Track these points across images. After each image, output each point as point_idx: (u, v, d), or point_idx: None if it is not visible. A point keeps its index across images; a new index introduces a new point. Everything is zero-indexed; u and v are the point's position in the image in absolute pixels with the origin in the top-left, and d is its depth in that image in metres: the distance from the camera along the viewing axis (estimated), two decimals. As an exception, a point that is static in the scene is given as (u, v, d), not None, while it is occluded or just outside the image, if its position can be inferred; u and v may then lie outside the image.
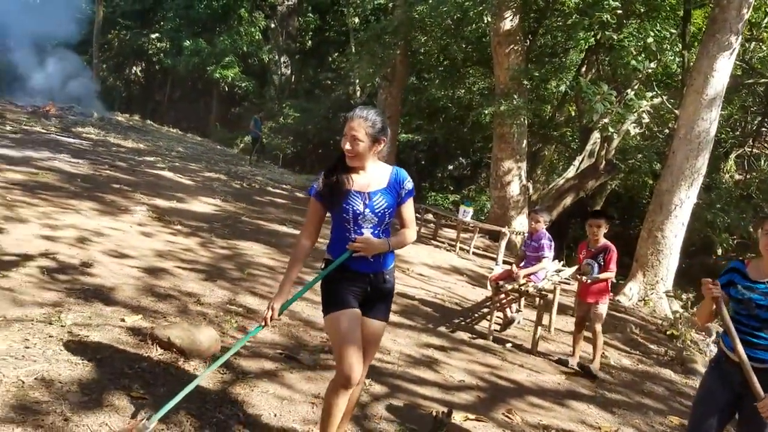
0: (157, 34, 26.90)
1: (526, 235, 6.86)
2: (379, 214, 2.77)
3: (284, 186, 14.94)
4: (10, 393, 3.07)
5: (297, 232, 9.05)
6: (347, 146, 2.72)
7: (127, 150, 15.10)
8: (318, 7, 26.01)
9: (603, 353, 5.81)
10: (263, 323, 2.78)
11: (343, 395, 2.73)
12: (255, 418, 3.34)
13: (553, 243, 6.23)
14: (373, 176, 2.81)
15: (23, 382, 3.19)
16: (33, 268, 5.16)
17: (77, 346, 3.72)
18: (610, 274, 5.36)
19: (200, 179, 12.82)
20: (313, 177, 18.58)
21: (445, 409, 3.79)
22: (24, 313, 4.16)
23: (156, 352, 3.83)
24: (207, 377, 3.67)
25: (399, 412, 3.81)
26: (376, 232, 2.79)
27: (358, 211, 2.74)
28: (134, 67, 29.76)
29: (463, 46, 15.92)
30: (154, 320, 4.43)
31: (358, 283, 2.80)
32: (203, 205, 9.82)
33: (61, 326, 4.02)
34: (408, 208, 2.90)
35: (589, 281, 5.31)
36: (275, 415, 3.44)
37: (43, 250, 5.71)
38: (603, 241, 5.39)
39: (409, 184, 2.87)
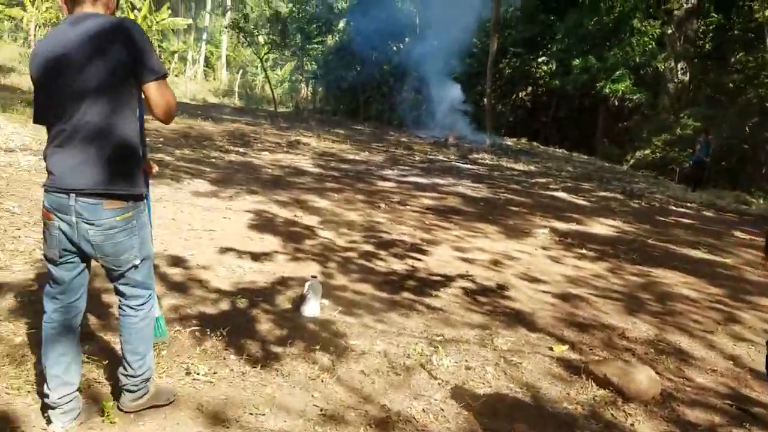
0: (544, 57, 27.58)
1: None
2: None
3: (688, 204, 13.53)
4: (461, 416, 3.17)
5: (713, 257, 7.96)
6: None
7: (519, 173, 15.64)
8: (720, 5, 23.25)
9: None
10: None
11: None
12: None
13: None
14: None
15: (471, 405, 3.27)
16: (456, 288, 5.49)
17: (513, 373, 3.72)
18: None
19: (595, 199, 12.43)
20: (716, 193, 16.56)
21: None
22: (458, 333, 4.38)
23: (592, 389, 3.59)
24: (648, 426, 3.28)
25: None
26: None
27: None
28: (521, 92, 31.05)
29: None
30: (582, 353, 4.21)
31: None
32: (603, 226, 9.40)
33: (494, 350, 4.10)
34: None
35: None
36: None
37: (462, 271, 6.07)
38: None
39: None
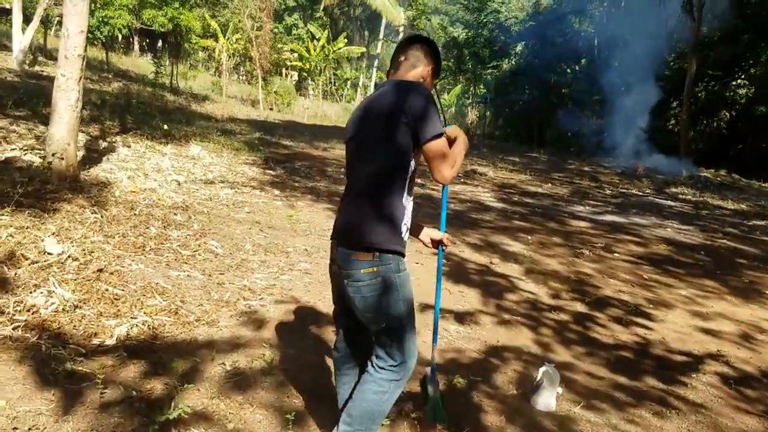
0: (739, 81, 24.63)
1: None
2: None
3: None
4: None
5: None
6: None
7: (730, 212, 13.68)
8: None
9: None
10: None
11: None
12: None
13: None
14: None
15: None
16: (711, 375, 4.45)
17: None
18: None
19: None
20: None
21: None
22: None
23: None
24: None
25: None
26: None
27: None
28: (716, 118, 27.94)
29: None
30: None
31: None
32: None
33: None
34: None
35: None
36: None
37: (710, 348, 4.98)
38: None
39: None
